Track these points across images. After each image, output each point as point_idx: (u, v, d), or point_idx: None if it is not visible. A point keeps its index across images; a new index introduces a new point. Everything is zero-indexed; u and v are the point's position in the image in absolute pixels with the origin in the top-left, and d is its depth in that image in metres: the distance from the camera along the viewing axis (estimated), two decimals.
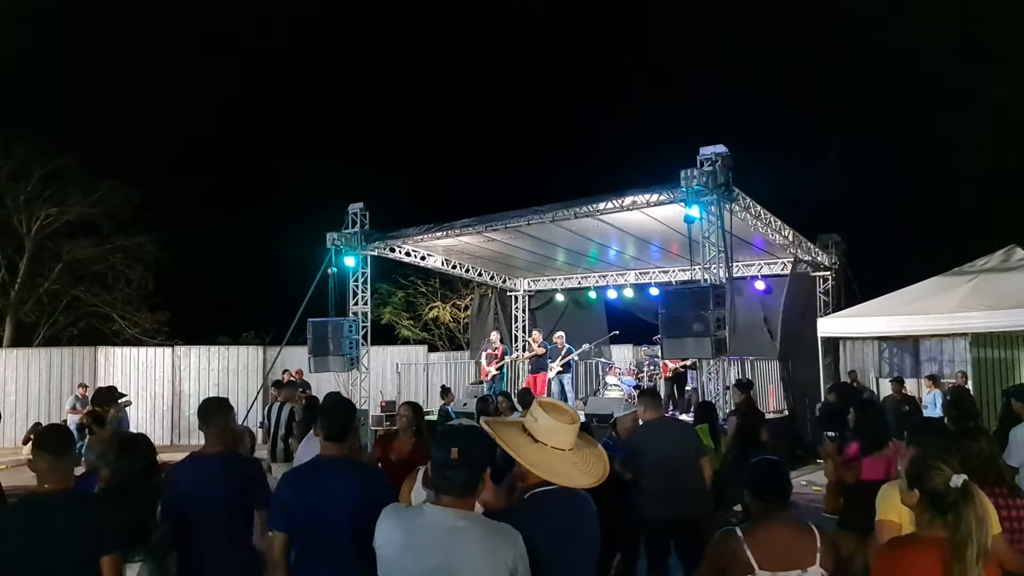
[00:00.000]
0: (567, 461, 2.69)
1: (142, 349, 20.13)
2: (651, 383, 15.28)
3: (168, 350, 19.36)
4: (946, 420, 11.13)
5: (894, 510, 3.47)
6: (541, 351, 15.25)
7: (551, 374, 15.03)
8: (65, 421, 14.40)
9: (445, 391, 12.71)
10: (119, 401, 10.88)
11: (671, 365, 14.24)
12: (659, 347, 13.61)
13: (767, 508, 3.16)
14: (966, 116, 30.70)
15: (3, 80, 30.11)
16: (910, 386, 13.41)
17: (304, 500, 3.38)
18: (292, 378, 14.91)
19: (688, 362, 13.66)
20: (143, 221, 25.09)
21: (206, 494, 3.87)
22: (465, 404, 13.62)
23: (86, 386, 16.18)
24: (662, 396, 14.65)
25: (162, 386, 18.50)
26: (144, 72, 42.42)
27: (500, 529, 2.51)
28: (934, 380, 12.83)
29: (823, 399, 12.26)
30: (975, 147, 29.46)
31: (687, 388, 14.18)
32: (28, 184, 23.43)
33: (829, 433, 5.79)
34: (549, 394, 14.37)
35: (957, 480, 2.63)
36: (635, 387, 15.32)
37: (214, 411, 4.20)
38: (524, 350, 18.98)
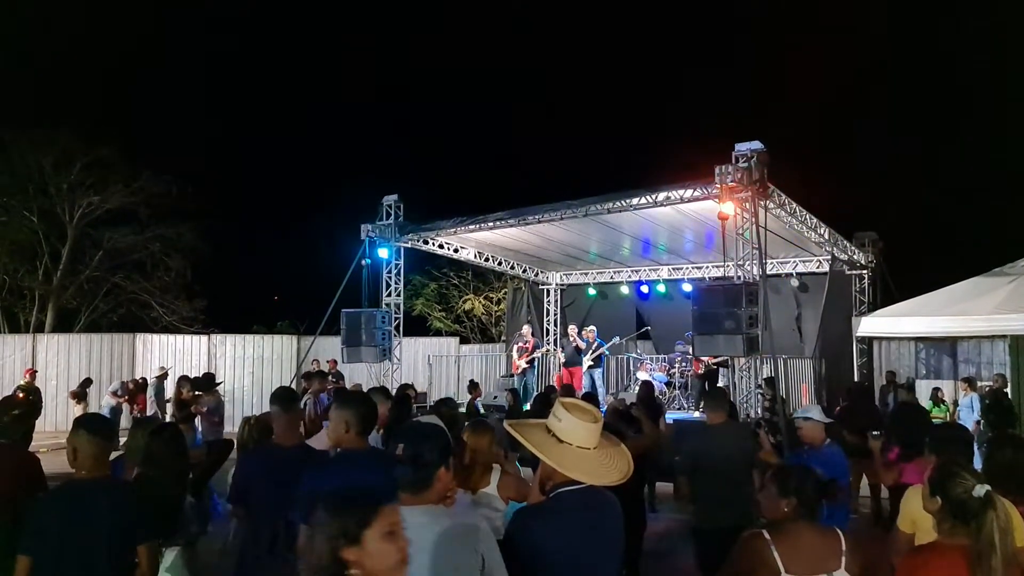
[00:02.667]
0: (592, 460, 2.70)
1: (179, 336, 20.46)
2: (682, 379, 15.23)
3: (204, 338, 19.66)
4: (983, 424, 11.09)
5: (908, 519, 3.44)
6: (582, 345, 15.11)
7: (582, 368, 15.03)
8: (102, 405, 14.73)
9: (473, 386, 12.69)
10: (215, 388, 11.22)
11: (704, 361, 14.16)
12: (689, 343, 13.58)
13: (800, 511, 3.14)
14: (1006, 113, 30.02)
15: (43, 71, 30.66)
16: (946, 389, 13.18)
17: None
18: (312, 368, 15.15)
19: (720, 359, 13.57)
20: (181, 210, 25.50)
21: (277, 487, 3.80)
22: (496, 397, 13.63)
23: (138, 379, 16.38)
24: (695, 394, 14.63)
25: (198, 373, 18.76)
26: (182, 62, 43.00)
27: (463, 522, 2.59)
28: (970, 383, 12.57)
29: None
30: (1016, 145, 28.83)
31: (720, 386, 14.07)
32: (71, 173, 23.89)
33: (874, 432, 5.75)
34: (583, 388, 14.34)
35: (980, 490, 2.61)
36: (666, 383, 15.29)
37: (292, 400, 4.15)
38: (556, 344, 18.98)
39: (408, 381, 17.34)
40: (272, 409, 4.12)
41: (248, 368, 18.84)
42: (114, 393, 15.08)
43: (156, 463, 3.92)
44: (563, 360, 15.60)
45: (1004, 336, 13.09)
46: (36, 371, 15.61)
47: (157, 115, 35.84)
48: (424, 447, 2.61)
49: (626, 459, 2.80)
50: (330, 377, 14.24)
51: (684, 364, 15.21)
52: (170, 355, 18.95)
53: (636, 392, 14.30)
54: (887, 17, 38.39)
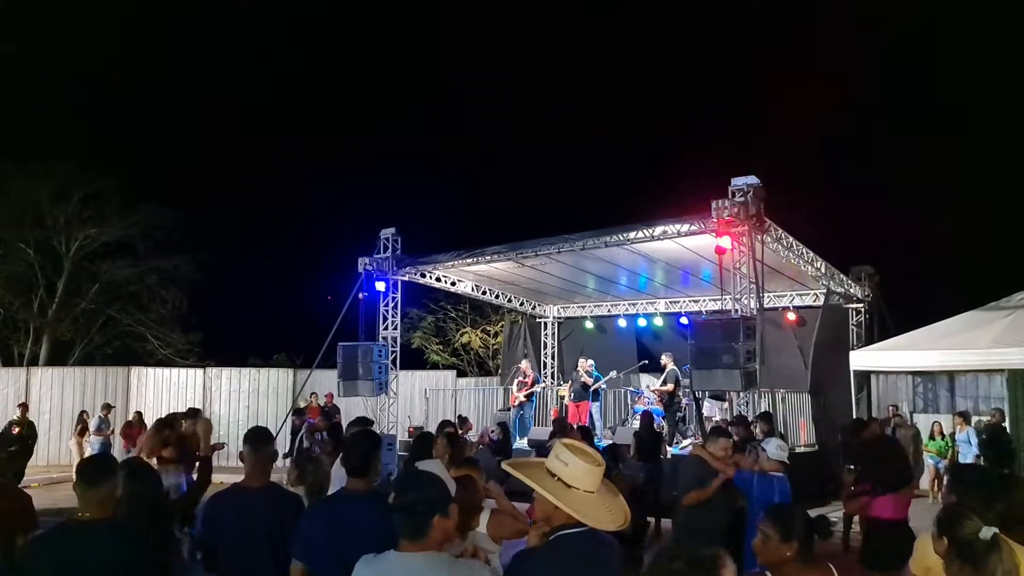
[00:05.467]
0: (598, 503, 2.70)
1: (174, 370, 20.37)
2: (681, 413, 15.08)
3: (200, 371, 19.57)
4: (982, 459, 11.07)
5: (922, 565, 3.40)
6: (589, 381, 14.97)
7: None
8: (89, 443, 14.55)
9: (462, 420, 12.51)
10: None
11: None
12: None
13: (800, 554, 3.12)
14: (1002, 147, 30.25)
15: (41, 104, 30.81)
16: (944, 423, 13.14)
17: (325, 532, 3.38)
18: (310, 400, 15.18)
19: (665, 388, 14.11)
20: (178, 243, 25.52)
21: (247, 529, 3.80)
22: (493, 431, 13.54)
23: (111, 407, 15.83)
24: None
25: (195, 406, 18.64)
26: (178, 93, 43.28)
27: (464, 567, 2.59)
28: (964, 417, 12.51)
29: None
30: (1012, 179, 29.06)
31: (714, 417, 13.94)
32: (68, 206, 23.91)
33: (850, 466, 5.86)
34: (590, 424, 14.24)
35: (987, 532, 2.61)
36: (663, 416, 15.18)
37: (265, 441, 4.11)
38: (552, 378, 18.91)
39: (405, 415, 17.33)
40: (244, 448, 4.05)
41: (244, 402, 18.73)
42: (97, 430, 14.70)
43: (135, 504, 3.83)
44: (571, 396, 15.42)
45: (1002, 370, 13.09)
46: (28, 405, 15.35)
47: (154, 148, 35.99)
48: (415, 497, 2.61)
49: (622, 506, 2.81)
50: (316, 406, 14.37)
51: (686, 398, 15.07)
52: (165, 389, 18.85)
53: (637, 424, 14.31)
54: (882, 52, 38.87)
